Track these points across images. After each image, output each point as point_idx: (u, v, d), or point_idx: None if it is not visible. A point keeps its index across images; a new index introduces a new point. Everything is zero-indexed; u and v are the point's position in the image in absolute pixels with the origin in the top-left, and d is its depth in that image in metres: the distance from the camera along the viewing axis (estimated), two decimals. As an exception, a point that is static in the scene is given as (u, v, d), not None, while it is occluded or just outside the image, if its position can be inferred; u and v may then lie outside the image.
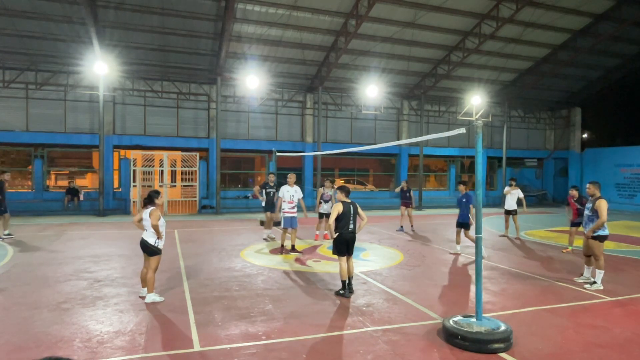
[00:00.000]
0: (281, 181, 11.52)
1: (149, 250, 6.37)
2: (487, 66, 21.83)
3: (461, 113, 23.78)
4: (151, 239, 6.34)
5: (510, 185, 13.00)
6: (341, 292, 6.83)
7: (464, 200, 10.02)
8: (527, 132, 27.74)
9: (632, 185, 24.07)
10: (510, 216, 12.93)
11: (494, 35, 18.74)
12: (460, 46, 19.79)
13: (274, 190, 11.65)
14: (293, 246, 10.24)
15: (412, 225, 14.57)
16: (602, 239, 7.27)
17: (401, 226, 14.62)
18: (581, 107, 27.37)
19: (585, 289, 7.27)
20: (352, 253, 6.99)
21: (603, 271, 7.32)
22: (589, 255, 7.54)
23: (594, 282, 7.31)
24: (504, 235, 13.15)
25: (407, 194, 14.66)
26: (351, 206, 6.87)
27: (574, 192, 10.28)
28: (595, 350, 4.89)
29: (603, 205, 7.14)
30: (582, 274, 7.88)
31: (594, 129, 34.24)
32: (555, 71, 22.41)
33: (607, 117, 32.76)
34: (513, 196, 12.85)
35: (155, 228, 6.27)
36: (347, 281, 6.87)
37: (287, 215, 10.15)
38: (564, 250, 10.86)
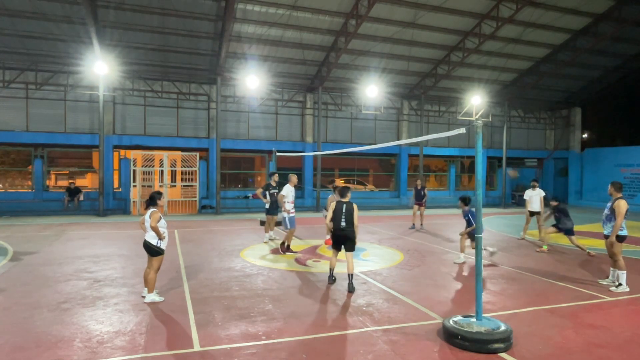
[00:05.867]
0: (282, 181, 11.39)
1: (151, 250, 6.43)
2: (487, 66, 21.82)
3: (461, 113, 23.78)
4: (153, 239, 6.40)
5: (533, 187, 12.53)
6: (329, 280, 7.51)
7: (467, 218, 9.56)
8: (527, 132, 27.72)
9: (632, 185, 24.07)
10: (534, 217, 12.45)
11: (494, 35, 18.73)
12: (460, 46, 19.79)
13: (277, 190, 11.22)
14: (288, 246, 10.17)
15: (422, 224, 14.61)
16: (620, 239, 7.21)
17: (413, 224, 14.64)
18: (581, 107, 27.35)
19: (610, 291, 7.16)
20: (349, 249, 7.20)
21: (625, 271, 7.23)
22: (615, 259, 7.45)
23: (620, 284, 7.20)
24: (522, 238, 12.71)
25: (422, 193, 14.68)
26: (344, 205, 7.16)
27: (552, 203, 10.63)
28: (595, 350, 4.89)
29: (622, 206, 7.08)
30: (607, 277, 7.78)
31: (594, 129, 34.25)
32: (555, 71, 22.39)
33: (607, 117, 32.78)
34: (537, 197, 12.33)
35: (154, 229, 6.30)
36: (333, 269, 7.48)
37: (292, 215, 10.05)
38: (538, 250, 10.96)
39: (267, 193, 11.42)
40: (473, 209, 9.61)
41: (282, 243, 10.27)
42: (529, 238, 12.76)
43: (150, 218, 6.31)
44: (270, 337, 5.14)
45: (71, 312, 5.91)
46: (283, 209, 10.21)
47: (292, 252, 10.04)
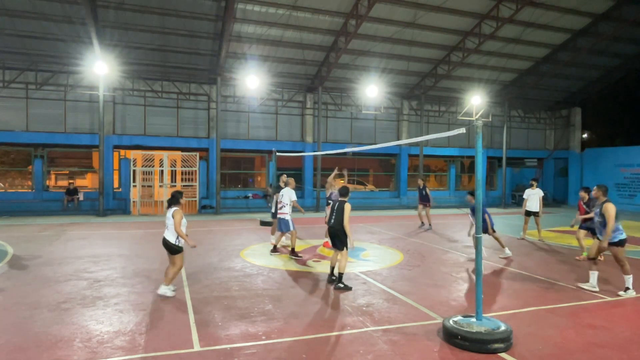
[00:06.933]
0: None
1: (171, 249, 6.56)
2: (487, 66, 21.82)
3: (461, 113, 23.78)
4: (172, 237, 6.52)
5: (532, 186, 12.48)
6: (329, 278, 7.59)
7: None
8: (527, 132, 27.72)
9: (632, 185, 24.06)
10: (532, 217, 12.37)
11: (494, 35, 18.73)
12: (460, 46, 19.78)
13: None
14: (293, 249, 9.92)
15: (430, 224, 14.64)
16: (622, 243, 7.01)
17: (422, 223, 14.66)
18: (581, 107, 27.34)
19: (619, 295, 6.99)
20: (338, 248, 7.33)
21: (631, 275, 7.04)
22: (594, 258, 7.28)
23: (627, 289, 7.02)
24: (522, 238, 12.63)
25: (424, 192, 14.72)
26: (337, 203, 7.43)
27: (582, 194, 9.70)
28: (595, 350, 4.89)
29: (611, 210, 6.89)
30: (587, 281, 7.45)
31: (594, 129, 34.24)
32: (555, 71, 22.39)
33: (607, 117, 32.76)
34: (535, 197, 12.29)
35: (178, 232, 6.45)
36: (334, 268, 7.46)
37: (289, 218, 9.84)
38: (578, 258, 9.90)
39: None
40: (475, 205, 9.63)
41: (292, 249, 9.82)
42: (529, 238, 12.74)
43: (174, 217, 6.44)
44: (270, 337, 5.14)
45: (71, 312, 5.91)
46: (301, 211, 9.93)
47: (298, 256, 9.64)
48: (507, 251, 9.93)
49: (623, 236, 7.07)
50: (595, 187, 7.40)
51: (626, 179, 24.29)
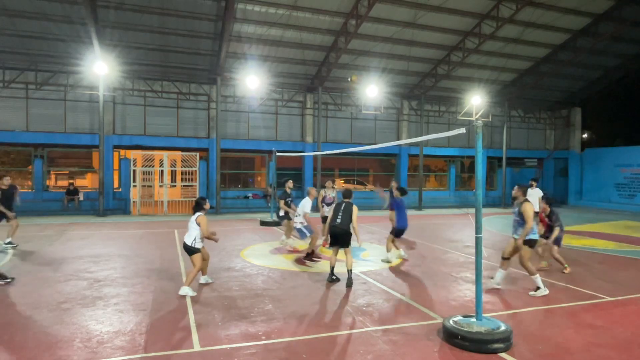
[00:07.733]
0: (279, 181, 11.27)
1: (188, 249, 6.96)
2: (487, 66, 21.81)
3: (461, 113, 23.78)
4: (189, 240, 6.93)
5: (531, 186, 12.26)
6: (329, 278, 7.61)
7: (394, 206, 9.59)
8: (527, 132, 27.70)
9: (632, 185, 24.06)
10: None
11: (494, 35, 18.73)
12: (460, 46, 19.78)
13: (291, 198, 11.27)
14: (312, 251, 9.73)
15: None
16: (531, 243, 6.94)
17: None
18: (581, 107, 27.34)
19: (529, 296, 6.91)
20: (344, 246, 7.47)
21: (537, 274, 7.00)
22: (507, 258, 7.21)
23: (538, 288, 6.96)
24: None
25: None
26: (343, 204, 7.55)
27: (544, 205, 8.92)
28: (595, 350, 4.89)
29: (529, 210, 6.83)
30: (492, 278, 7.42)
31: (594, 129, 34.25)
32: (555, 71, 22.38)
33: (607, 117, 32.77)
34: (534, 197, 11.75)
35: (207, 232, 6.92)
36: (334, 268, 7.57)
37: (306, 224, 9.84)
38: (565, 271, 8.59)
39: (290, 202, 11.17)
40: (399, 200, 9.62)
41: (308, 253, 9.63)
42: None
43: (200, 223, 6.88)
44: (270, 337, 5.14)
45: (71, 312, 5.91)
46: (304, 220, 9.83)
47: (314, 259, 9.43)
48: (391, 256, 9.54)
49: (535, 237, 7.01)
50: (515, 187, 7.31)
51: (626, 179, 24.28)
